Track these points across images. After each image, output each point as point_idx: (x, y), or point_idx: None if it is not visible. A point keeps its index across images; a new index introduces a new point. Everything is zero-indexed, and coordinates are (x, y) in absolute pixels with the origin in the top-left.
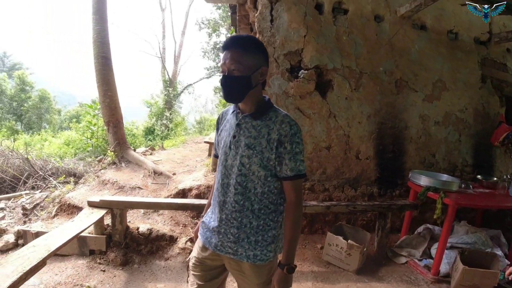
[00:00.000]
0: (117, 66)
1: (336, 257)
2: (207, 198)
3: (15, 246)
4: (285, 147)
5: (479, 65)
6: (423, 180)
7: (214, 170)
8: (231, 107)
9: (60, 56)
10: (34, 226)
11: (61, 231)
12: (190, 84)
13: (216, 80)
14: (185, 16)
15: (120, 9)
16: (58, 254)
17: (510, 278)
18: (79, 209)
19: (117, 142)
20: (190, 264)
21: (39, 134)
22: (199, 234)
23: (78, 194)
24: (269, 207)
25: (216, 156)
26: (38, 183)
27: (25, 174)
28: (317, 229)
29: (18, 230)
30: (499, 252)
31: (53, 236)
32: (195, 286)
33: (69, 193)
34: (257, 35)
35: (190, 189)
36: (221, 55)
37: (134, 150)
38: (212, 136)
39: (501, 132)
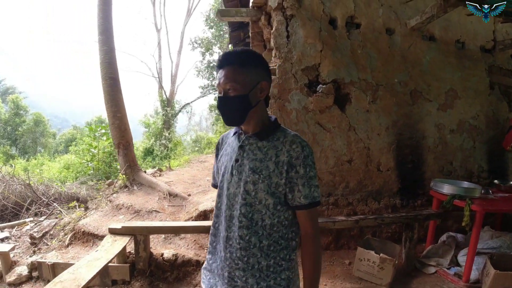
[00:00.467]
0: None
1: (368, 272)
2: None
3: (29, 279)
4: (297, 171)
5: (487, 72)
6: (446, 189)
7: None
8: (232, 129)
9: (60, 56)
10: (49, 257)
11: (87, 263)
12: (188, 103)
13: (211, 97)
14: (181, 36)
15: (115, 30)
16: None
17: None
18: (95, 236)
19: (128, 165)
20: None
21: (35, 159)
22: (202, 284)
23: (92, 221)
24: (279, 243)
25: (215, 186)
26: (41, 209)
27: (28, 201)
28: (343, 244)
29: (32, 262)
30: None
31: (80, 269)
32: None
33: (82, 220)
34: (274, 51)
35: (211, 210)
36: (216, 74)
37: (145, 172)
38: None
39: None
